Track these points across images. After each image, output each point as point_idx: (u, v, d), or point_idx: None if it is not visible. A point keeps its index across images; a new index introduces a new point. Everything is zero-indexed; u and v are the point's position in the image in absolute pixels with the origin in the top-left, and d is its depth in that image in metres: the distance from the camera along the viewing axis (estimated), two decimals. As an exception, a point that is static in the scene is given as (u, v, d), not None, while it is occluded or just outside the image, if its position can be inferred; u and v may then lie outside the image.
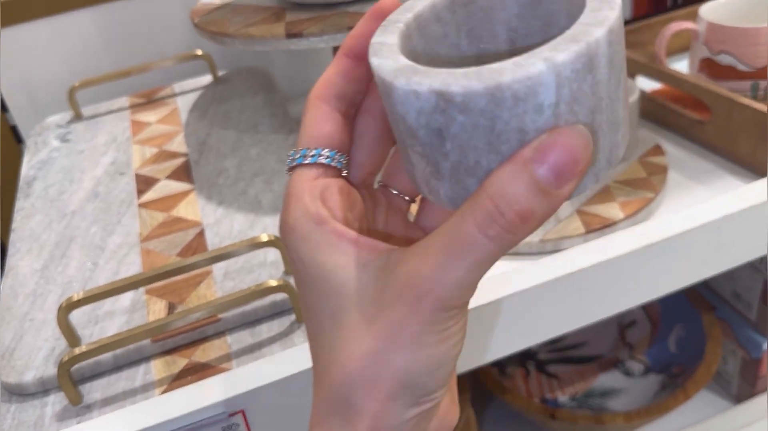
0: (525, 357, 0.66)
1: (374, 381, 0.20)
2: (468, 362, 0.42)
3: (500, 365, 0.62)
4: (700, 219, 0.43)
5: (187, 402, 0.36)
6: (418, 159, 0.21)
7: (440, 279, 0.20)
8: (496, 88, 0.18)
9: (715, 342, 0.56)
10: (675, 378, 0.58)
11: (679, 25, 0.57)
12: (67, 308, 0.40)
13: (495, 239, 0.19)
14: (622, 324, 0.67)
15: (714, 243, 0.44)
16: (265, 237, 0.43)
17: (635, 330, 0.65)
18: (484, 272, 0.20)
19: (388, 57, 0.21)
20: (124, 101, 0.68)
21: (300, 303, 0.23)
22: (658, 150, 0.53)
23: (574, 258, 0.42)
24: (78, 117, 0.67)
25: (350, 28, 0.49)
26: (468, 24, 0.23)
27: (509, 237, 0.19)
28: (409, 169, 0.23)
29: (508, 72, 0.18)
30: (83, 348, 0.38)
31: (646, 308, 0.65)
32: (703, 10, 0.57)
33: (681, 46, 0.64)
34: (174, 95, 0.68)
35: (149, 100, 0.68)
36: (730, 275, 0.59)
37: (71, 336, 0.41)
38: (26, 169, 0.60)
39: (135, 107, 0.67)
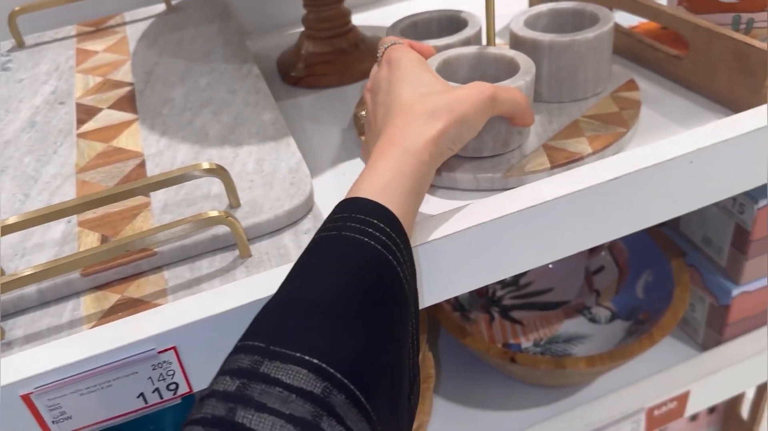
0: (489, 303, 0.64)
1: (452, 110, 0.37)
2: (430, 297, 0.40)
3: (463, 310, 0.60)
4: (671, 152, 0.41)
5: (114, 337, 0.34)
6: None
7: (495, 89, 0.39)
8: None
9: (684, 288, 0.54)
10: (641, 325, 0.56)
11: (659, -46, 0.53)
12: (-12, 236, 0.37)
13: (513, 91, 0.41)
14: (589, 270, 0.65)
15: (686, 178, 0.42)
16: (206, 165, 0.40)
17: (603, 276, 0.64)
18: (509, 106, 0.41)
19: None
20: (71, 29, 0.64)
21: (395, 87, 0.39)
22: (632, 84, 0.50)
23: (537, 190, 0.40)
24: (20, 45, 0.62)
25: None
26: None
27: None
28: None
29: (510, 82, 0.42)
30: (5, 278, 0.35)
31: (615, 254, 0.63)
32: (685, -63, 0.54)
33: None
34: (124, 23, 0.64)
35: (97, 28, 0.64)
36: (700, 219, 0.57)
37: (-7, 267, 0.38)
38: (-41, 97, 0.56)
39: (82, 35, 0.63)
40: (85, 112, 0.52)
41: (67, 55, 0.60)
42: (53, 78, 0.57)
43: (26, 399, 0.32)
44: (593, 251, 0.65)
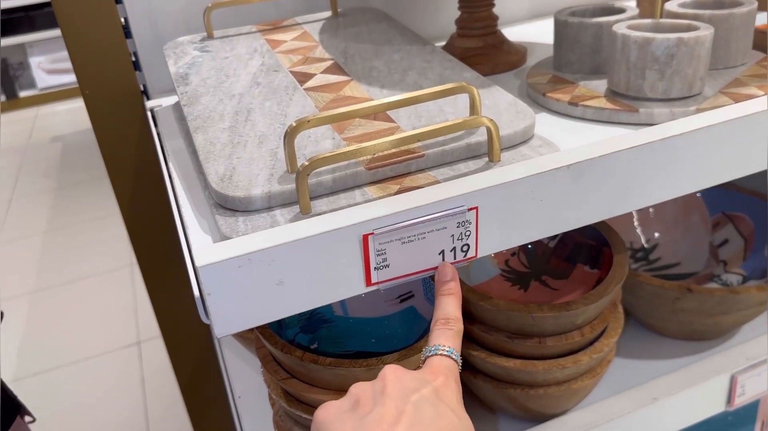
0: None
1: None
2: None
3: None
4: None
5: (434, 193, 0.40)
6: None
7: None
8: None
9: (820, 239, 0.61)
10: (777, 279, 0.62)
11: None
12: (296, 128, 0.43)
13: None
14: (713, 245, 0.71)
15: None
16: (456, 84, 0.47)
17: (728, 248, 0.70)
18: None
19: None
20: (251, 28, 0.73)
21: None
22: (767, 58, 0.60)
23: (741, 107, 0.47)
24: (210, 36, 0.70)
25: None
26: None
27: None
28: None
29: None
30: (323, 154, 0.41)
31: (738, 227, 0.70)
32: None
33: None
34: (298, 24, 0.73)
35: (275, 27, 0.72)
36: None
37: (293, 158, 0.44)
38: (175, 68, 0.63)
39: (263, 31, 0.71)
40: (301, 77, 0.59)
41: (259, 43, 0.68)
42: (256, 56, 0.65)
43: (365, 239, 0.38)
44: (715, 226, 0.72)
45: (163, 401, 1.61)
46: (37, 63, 3.99)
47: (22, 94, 3.99)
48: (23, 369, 1.78)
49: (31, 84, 4.03)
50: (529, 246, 0.64)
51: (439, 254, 0.40)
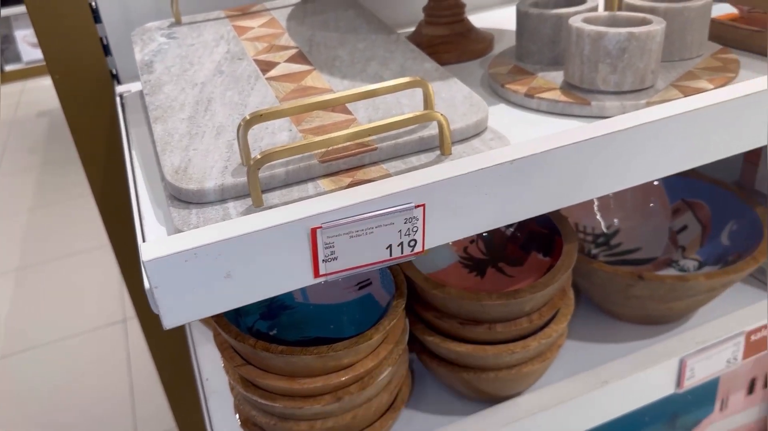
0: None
1: None
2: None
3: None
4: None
5: (384, 188, 0.41)
6: None
7: None
8: None
9: (772, 226, 0.63)
10: (732, 265, 0.64)
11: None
12: (250, 122, 0.44)
13: None
14: (672, 230, 0.73)
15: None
16: (410, 78, 0.48)
17: (686, 234, 0.72)
18: None
19: None
20: (220, 13, 0.73)
21: None
22: (725, 50, 0.61)
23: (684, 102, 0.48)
24: (178, 22, 0.71)
25: None
26: None
27: None
28: None
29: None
30: (275, 148, 0.42)
31: (697, 213, 0.72)
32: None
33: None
34: (267, 9, 0.73)
35: (243, 12, 0.73)
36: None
37: (247, 151, 0.45)
38: (140, 56, 0.64)
39: (231, 17, 0.72)
40: (265, 65, 0.60)
41: (226, 29, 0.68)
42: (222, 43, 0.65)
43: (313, 232, 0.39)
44: (675, 213, 0.73)
45: (148, 378, 1.64)
46: (23, 36, 3.93)
47: (8, 68, 3.95)
48: (10, 346, 1.80)
49: (17, 58, 3.98)
50: (485, 234, 0.66)
51: (387, 248, 0.42)
